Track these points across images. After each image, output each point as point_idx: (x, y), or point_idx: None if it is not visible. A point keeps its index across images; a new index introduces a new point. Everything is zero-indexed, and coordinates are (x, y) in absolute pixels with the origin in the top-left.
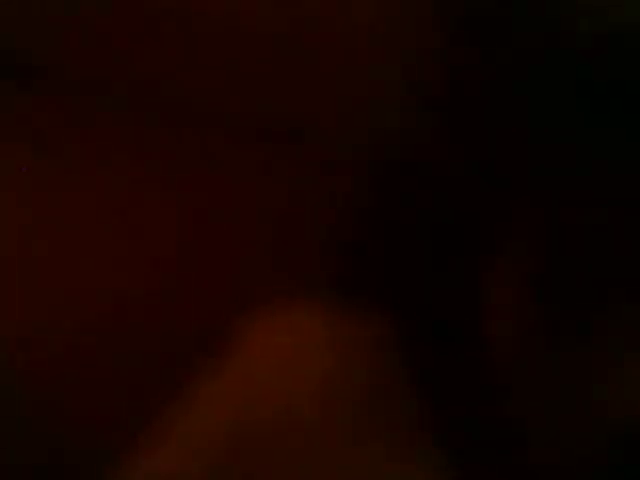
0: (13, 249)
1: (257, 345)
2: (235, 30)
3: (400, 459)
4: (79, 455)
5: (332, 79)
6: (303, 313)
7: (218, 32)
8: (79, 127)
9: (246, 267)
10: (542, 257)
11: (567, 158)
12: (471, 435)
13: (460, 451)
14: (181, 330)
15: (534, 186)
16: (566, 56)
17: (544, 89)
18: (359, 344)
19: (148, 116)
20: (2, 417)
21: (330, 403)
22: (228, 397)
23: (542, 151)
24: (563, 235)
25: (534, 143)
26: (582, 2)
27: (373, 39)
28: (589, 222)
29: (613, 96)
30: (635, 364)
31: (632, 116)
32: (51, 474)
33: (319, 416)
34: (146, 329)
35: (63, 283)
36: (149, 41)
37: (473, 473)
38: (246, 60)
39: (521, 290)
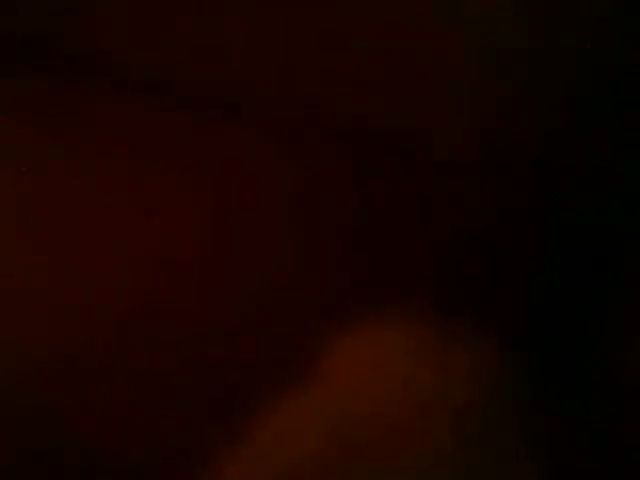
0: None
1: (346, 362)
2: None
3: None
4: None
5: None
6: (399, 331)
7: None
8: (89, 111)
9: (338, 278)
10: None
11: None
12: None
13: None
14: (266, 342)
15: None
16: None
17: None
18: (459, 366)
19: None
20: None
21: (423, 424)
22: (316, 414)
23: None
24: None
25: None
26: None
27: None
28: None
29: None
30: None
31: None
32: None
33: (412, 434)
34: (232, 336)
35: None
36: (166, 24)
37: None
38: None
39: None
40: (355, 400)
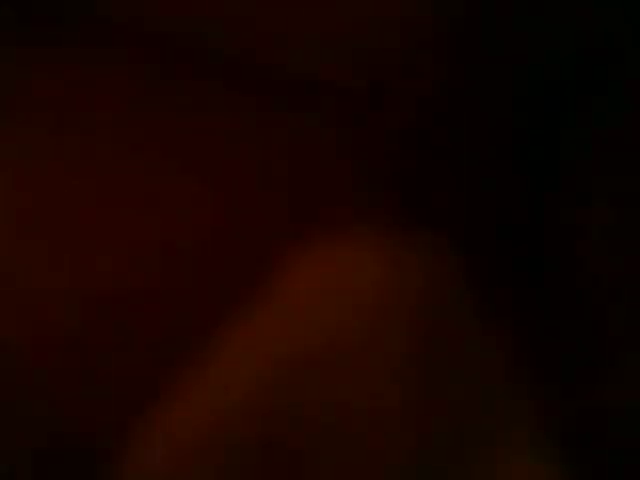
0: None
1: (304, 276)
2: None
3: (457, 381)
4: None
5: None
6: (353, 239)
7: None
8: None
9: (286, 200)
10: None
11: None
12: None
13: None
14: (223, 264)
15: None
16: None
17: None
18: (415, 269)
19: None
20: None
21: (382, 333)
22: (274, 328)
23: None
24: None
25: None
26: None
27: None
28: None
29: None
30: None
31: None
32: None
33: (369, 347)
34: (189, 259)
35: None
36: None
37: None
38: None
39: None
40: (308, 318)
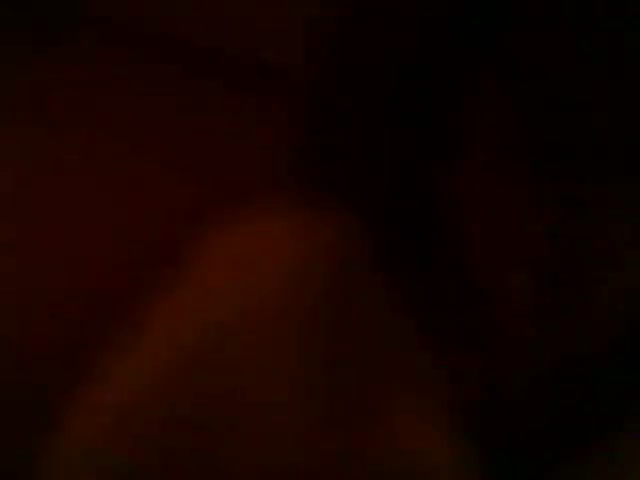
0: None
1: (215, 252)
2: None
3: (365, 351)
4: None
5: None
6: (260, 213)
7: None
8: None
9: (199, 174)
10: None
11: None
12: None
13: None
14: (139, 243)
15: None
16: None
17: None
18: (321, 240)
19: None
20: None
21: (292, 303)
22: (190, 305)
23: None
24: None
25: None
26: None
27: None
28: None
29: None
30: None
31: None
32: None
33: (280, 317)
34: (102, 238)
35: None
36: None
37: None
38: None
39: (496, 172)
40: (222, 293)
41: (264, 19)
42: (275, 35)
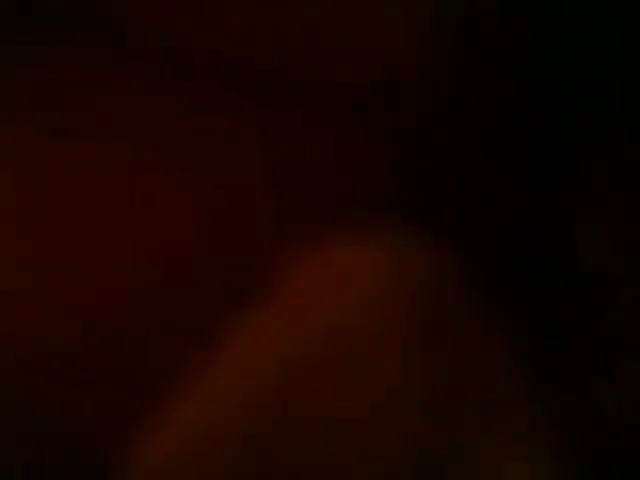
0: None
1: (305, 275)
2: None
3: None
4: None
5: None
6: (356, 242)
7: None
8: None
9: (293, 198)
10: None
11: None
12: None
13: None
14: (226, 265)
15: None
16: None
17: None
18: (420, 274)
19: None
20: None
21: (384, 332)
22: (278, 331)
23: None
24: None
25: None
26: None
27: None
28: None
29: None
30: None
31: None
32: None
33: (372, 345)
34: (191, 262)
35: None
36: None
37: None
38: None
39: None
40: (310, 317)
41: (371, 34)
42: (385, 53)
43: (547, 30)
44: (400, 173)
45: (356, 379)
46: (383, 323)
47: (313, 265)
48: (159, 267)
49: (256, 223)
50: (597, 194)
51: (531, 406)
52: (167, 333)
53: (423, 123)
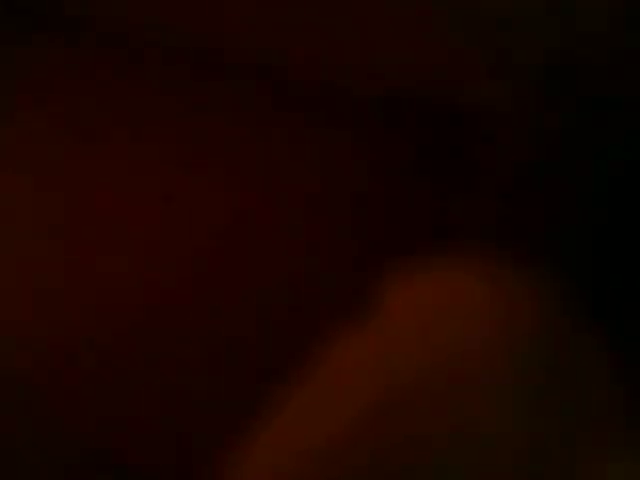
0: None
1: (400, 306)
2: None
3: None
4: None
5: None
6: (451, 268)
7: None
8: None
9: (396, 223)
10: None
11: None
12: None
13: None
14: (315, 294)
15: None
16: None
17: None
18: (521, 304)
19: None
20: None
21: (489, 361)
22: (372, 361)
23: None
24: None
25: None
26: None
27: None
28: None
29: None
30: None
31: None
32: None
33: (477, 373)
34: (291, 278)
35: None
36: None
37: None
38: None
39: None
40: (414, 347)
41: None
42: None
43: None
44: (498, 201)
45: (456, 402)
46: (487, 352)
47: (418, 287)
48: (254, 278)
49: (356, 241)
50: None
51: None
52: (262, 347)
53: (521, 154)
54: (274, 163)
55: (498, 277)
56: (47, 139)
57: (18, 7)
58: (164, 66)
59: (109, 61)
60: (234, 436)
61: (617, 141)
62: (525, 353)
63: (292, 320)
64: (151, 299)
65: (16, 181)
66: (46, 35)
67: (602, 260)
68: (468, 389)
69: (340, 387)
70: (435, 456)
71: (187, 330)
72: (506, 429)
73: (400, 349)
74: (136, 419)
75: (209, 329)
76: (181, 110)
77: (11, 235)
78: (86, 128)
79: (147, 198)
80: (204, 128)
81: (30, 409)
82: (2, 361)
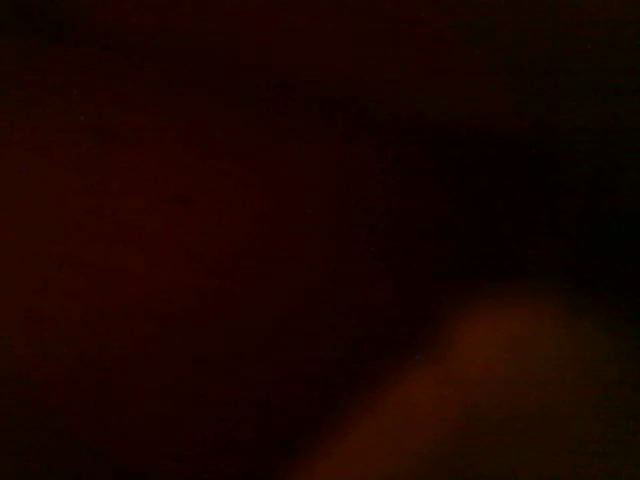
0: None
1: (472, 342)
2: None
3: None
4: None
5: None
6: (523, 306)
7: None
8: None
9: (469, 255)
10: None
11: None
12: None
13: None
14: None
15: None
16: None
17: None
18: (595, 347)
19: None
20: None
21: (559, 400)
22: (446, 399)
23: None
24: None
25: None
26: None
27: None
28: None
29: None
30: None
31: None
32: None
33: (546, 416)
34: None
35: None
36: None
37: None
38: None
39: None
40: (487, 383)
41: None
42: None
43: None
44: (574, 240)
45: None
46: (556, 391)
47: (487, 327)
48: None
49: (427, 275)
50: None
51: None
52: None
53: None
54: (288, 165)
55: (568, 319)
56: (53, 140)
57: (18, 9)
58: (165, 67)
59: (115, 62)
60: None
61: None
62: (593, 395)
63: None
64: (161, 301)
65: (23, 180)
66: (46, 36)
67: None
68: (533, 427)
69: (408, 421)
70: None
71: (200, 332)
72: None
73: (474, 386)
74: (139, 420)
75: (220, 332)
76: (190, 111)
77: (15, 233)
78: (101, 128)
79: (160, 199)
80: (216, 130)
81: (30, 409)
82: (2, 361)
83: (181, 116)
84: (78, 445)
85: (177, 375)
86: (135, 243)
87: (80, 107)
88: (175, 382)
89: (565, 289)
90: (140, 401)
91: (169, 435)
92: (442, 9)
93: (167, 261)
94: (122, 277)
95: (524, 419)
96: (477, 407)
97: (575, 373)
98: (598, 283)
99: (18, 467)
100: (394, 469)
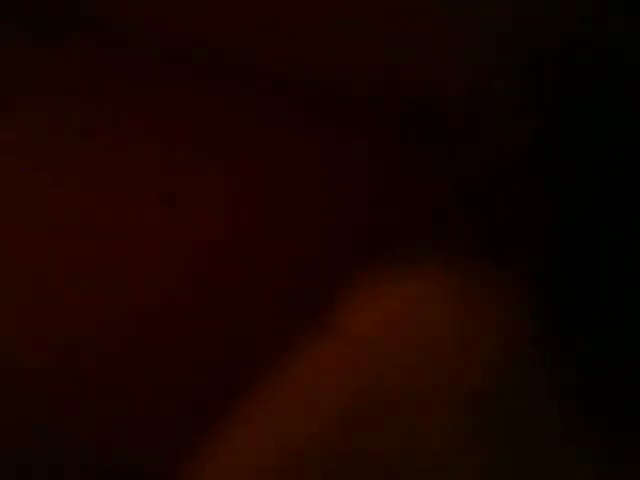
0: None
1: (368, 308)
2: None
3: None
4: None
5: None
6: (416, 277)
7: None
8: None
9: (352, 231)
10: None
11: None
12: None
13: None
14: (284, 299)
15: None
16: None
17: None
18: (480, 318)
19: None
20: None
21: (448, 367)
22: (338, 360)
23: None
24: None
25: None
26: None
27: None
28: None
29: None
30: None
31: None
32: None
33: (435, 387)
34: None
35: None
36: None
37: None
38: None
39: None
40: (373, 351)
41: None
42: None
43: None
44: (468, 207)
45: (409, 415)
46: (445, 358)
47: (375, 297)
48: (217, 290)
49: (318, 255)
50: None
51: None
52: (227, 360)
53: (498, 154)
54: (273, 162)
55: (463, 291)
56: (48, 139)
57: (19, 7)
58: (164, 66)
59: (110, 61)
60: (213, 436)
61: (592, 141)
62: (482, 369)
63: (257, 332)
64: (151, 300)
65: (18, 181)
66: (47, 35)
67: (571, 273)
68: (422, 403)
69: (305, 396)
70: (386, 470)
71: (187, 331)
72: (458, 445)
73: (359, 359)
74: (137, 419)
75: (207, 330)
76: (183, 110)
77: (11, 235)
78: (87, 128)
79: (148, 199)
80: (206, 128)
81: (30, 409)
82: (2, 361)
83: (169, 115)
84: (76, 444)
85: (170, 375)
86: (123, 242)
87: (66, 106)
88: (169, 382)
89: (458, 263)
90: (137, 400)
91: (167, 433)
92: None
93: (156, 260)
94: (110, 276)
95: (422, 391)
96: (376, 378)
97: (462, 349)
98: (490, 256)
99: (19, 467)
100: (295, 437)
